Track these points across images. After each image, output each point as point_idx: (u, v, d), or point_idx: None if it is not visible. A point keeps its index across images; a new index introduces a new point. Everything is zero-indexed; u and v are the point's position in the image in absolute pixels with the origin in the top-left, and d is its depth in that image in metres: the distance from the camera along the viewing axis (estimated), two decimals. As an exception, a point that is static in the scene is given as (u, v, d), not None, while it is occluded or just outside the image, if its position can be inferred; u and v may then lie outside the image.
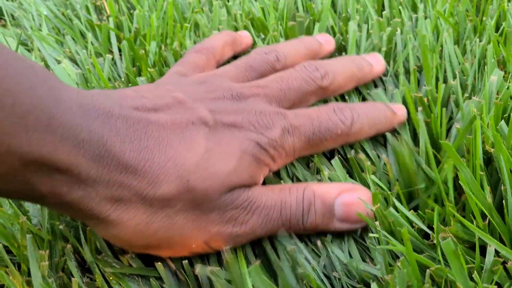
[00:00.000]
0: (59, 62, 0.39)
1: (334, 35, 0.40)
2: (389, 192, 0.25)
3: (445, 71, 0.35)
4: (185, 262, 0.24)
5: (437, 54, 0.35)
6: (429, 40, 0.36)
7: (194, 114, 0.25)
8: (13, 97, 0.19)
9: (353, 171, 0.28)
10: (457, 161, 0.24)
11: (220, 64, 0.36)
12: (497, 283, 0.22)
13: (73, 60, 0.40)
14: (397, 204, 0.25)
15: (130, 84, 0.37)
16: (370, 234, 0.24)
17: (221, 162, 0.24)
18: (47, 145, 0.20)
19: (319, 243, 0.25)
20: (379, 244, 0.24)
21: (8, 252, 0.27)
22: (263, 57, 0.33)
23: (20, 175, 0.20)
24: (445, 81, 0.35)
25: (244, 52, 0.39)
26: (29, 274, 0.26)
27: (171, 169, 0.23)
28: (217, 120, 0.25)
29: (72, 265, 0.24)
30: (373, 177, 0.27)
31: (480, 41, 0.37)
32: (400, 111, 0.30)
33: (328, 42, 0.37)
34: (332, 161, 0.28)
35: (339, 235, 0.26)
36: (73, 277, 0.24)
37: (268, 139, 0.26)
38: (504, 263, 0.22)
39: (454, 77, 0.34)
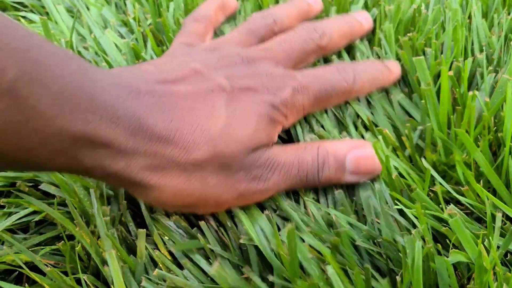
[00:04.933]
0: (105, 27, 0.41)
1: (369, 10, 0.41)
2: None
3: (472, 44, 0.37)
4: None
5: (464, 27, 0.36)
6: (459, 15, 0.37)
7: (213, 82, 0.27)
8: (58, 83, 0.21)
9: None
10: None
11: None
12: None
13: (121, 26, 0.42)
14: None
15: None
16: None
17: (242, 127, 0.26)
18: (90, 124, 0.22)
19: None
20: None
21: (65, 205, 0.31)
22: (262, 22, 0.35)
23: (69, 152, 0.22)
24: (472, 53, 0.36)
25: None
26: (87, 225, 0.29)
27: (200, 136, 0.25)
28: (233, 86, 0.27)
29: (130, 220, 0.28)
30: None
31: (509, 14, 0.38)
32: (395, 68, 0.34)
33: (316, 3, 0.39)
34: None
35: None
36: (130, 229, 0.28)
37: (280, 99, 0.28)
38: None
39: (481, 51, 0.36)
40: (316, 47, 0.34)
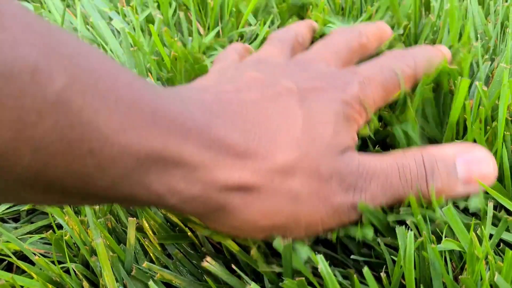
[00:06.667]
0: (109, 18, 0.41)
1: None
2: None
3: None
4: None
5: (461, 14, 0.35)
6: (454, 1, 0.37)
7: (279, 86, 0.25)
8: (115, 94, 0.18)
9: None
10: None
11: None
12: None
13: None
14: None
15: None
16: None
17: (321, 126, 0.24)
18: (157, 139, 0.19)
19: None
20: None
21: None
22: (289, 34, 0.33)
23: (134, 177, 0.19)
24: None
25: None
26: (78, 215, 0.29)
27: (280, 140, 0.23)
28: (300, 88, 0.25)
29: (119, 209, 0.28)
30: None
31: (506, 1, 0.38)
32: (445, 50, 0.31)
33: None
34: None
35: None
36: (121, 219, 0.28)
37: (350, 95, 0.25)
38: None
39: (477, 39, 0.35)
40: (358, 45, 0.31)
